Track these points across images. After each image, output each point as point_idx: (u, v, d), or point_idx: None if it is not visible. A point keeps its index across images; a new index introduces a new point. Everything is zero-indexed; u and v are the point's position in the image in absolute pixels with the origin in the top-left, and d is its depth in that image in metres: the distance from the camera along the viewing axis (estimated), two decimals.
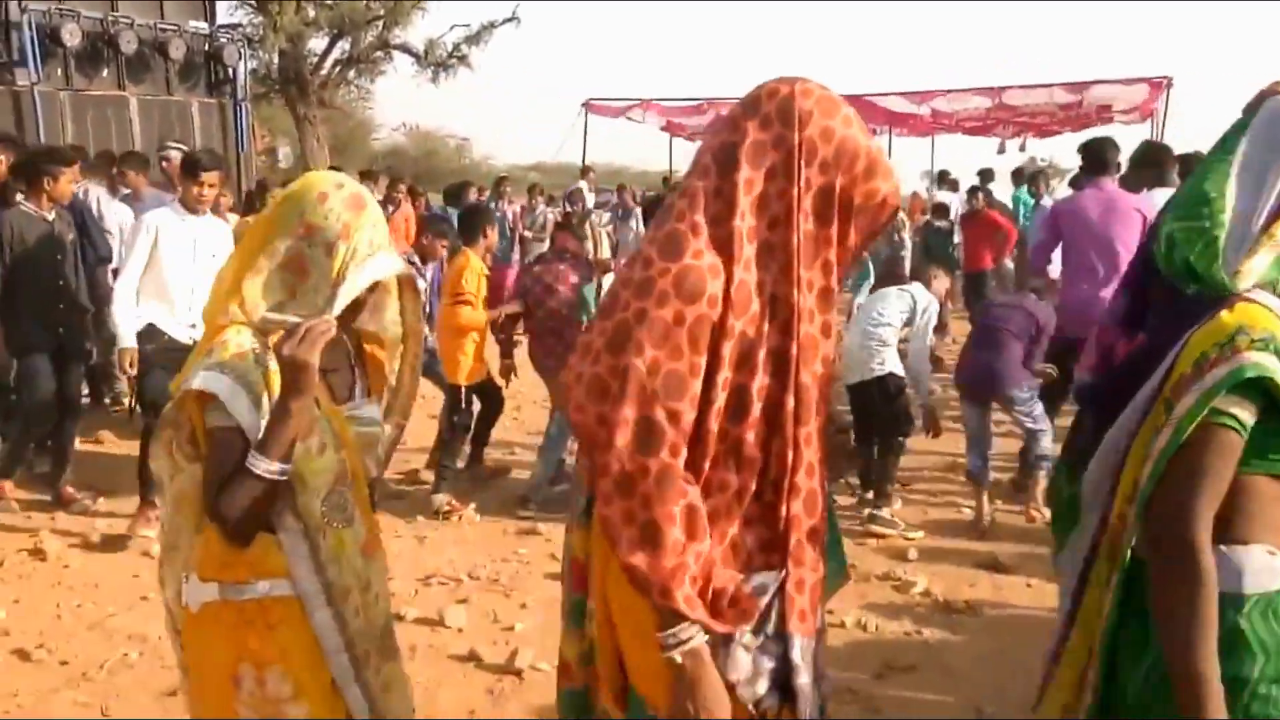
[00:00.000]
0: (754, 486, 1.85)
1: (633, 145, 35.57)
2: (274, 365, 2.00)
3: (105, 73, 10.90)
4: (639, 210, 14.61)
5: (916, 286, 6.25)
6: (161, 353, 5.50)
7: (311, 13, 24.69)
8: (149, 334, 5.55)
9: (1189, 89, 30.61)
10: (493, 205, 13.54)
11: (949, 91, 16.59)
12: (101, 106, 10.77)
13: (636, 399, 1.73)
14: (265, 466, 1.94)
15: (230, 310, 2.05)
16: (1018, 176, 13.68)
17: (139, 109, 11.06)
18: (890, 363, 5.95)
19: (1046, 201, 11.95)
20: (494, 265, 11.96)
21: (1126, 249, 5.93)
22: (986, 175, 14.57)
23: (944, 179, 15.75)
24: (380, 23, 25.74)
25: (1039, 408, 5.96)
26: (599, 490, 1.77)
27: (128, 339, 5.51)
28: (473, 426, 6.57)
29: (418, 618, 4.65)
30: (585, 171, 17.85)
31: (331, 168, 14.39)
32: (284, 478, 1.97)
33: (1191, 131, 14.13)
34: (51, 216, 5.96)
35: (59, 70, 10.41)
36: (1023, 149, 18.29)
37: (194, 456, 2.06)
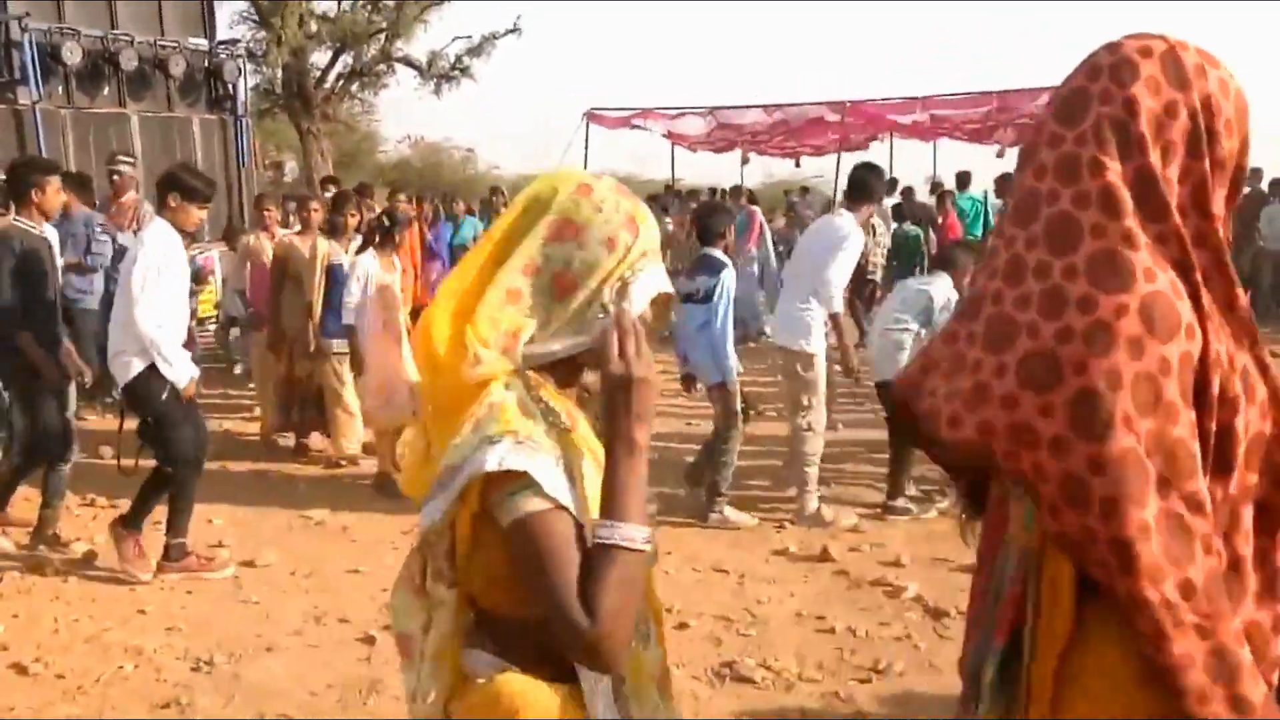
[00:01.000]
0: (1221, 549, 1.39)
1: (635, 155, 35.54)
2: (570, 421, 1.55)
3: (106, 90, 10.97)
4: None
5: (936, 281, 6.36)
6: (175, 400, 5.15)
7: (314, 26, 24.85)
8: (156, 375, 5.09)
9: None
10: (486, 215, 13.60)
11: (946, 95, 16.60)
12: (103, 124, 10.84)
13: (1146, 496, 1.28)
14: (642, 536, 1.42)
15: (482, 355, 1.49)
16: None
17: (140, 126, 11.13)
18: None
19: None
20: None
21: None
22: (961, 179, 14.77)
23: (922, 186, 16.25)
24: (383, 35, 25.87)
25: None
26: (1160, 635, 1.31)
27: (190, 370, 5.21)
28: None
29: None
30: None
31: (328, 179, 14.43)
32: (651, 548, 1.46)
33: None
34: (45, 232, 5.61)
35: (60, 88, 10.49)
36: None
37: (454, 579, 1.54)
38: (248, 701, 4.10)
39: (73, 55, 10.24)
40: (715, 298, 6.04)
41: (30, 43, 9.95)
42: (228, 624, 4.79)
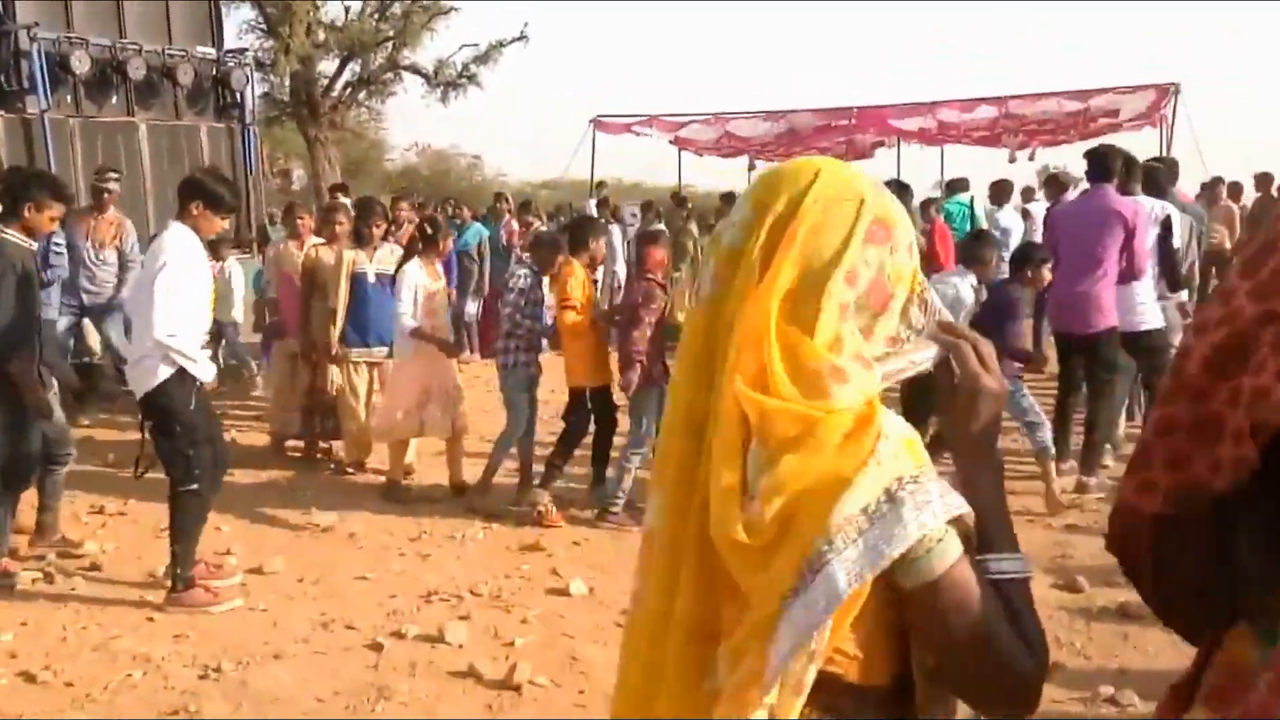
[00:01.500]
0: None
1: (642, 161, 35.45)
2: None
3: (114, 99, 10.97)
4: (616, 227, 14.51)
5: (951, 278, 6.51)
6: (201, 412, 5.11)
7: (321, 35, 24.96)
8: (181, 383, 4.97)
9: (1202, 93, 30.49)
10: (489, 221, 13.59)
11: (954, 101, 16.61)
12: (111, 133, 10.86)
13: None
14: (1027, 565, 1.30)
15: (852, 376, 1.22)
16: (996, 189, 13.52)
17: (148, 134, 11.14)
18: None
19: (1005, 211, 12.28)
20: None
21: (1109, 251, 6.39)
22: (952, 185, 14.84)
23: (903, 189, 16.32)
24: (390, 44, 25.98)
25: (1026, 400, 6.19)
26: None
27: (211, 369, 5.24)
28: (592, 443, 6.65)
29: (418, 634, 4.68)
30: (600, 187, 18.01)
31: (337, 186, 14.45)
32: None
33: (1204, 138, 14.15)
34: (34, 247, 5.43)
35: (68, 97, 10.49)
36: (1032, 159, 18.26)
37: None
38: (255, 709, 4.09)
39: (81, 64, 10.22)
40: None
41: (39, 52, 9.97)
42: (235, 631, 4.79)
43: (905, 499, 1.17)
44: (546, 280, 6.70)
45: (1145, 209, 6.59)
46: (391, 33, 25.75)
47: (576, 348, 6.46)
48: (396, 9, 25.94)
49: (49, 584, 5.33)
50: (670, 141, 20.13)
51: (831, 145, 18.99)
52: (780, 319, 1.23)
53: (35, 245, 5.47)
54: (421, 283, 6.69)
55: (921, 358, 1.32)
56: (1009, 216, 12.46)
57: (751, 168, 20.91)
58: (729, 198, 16.04)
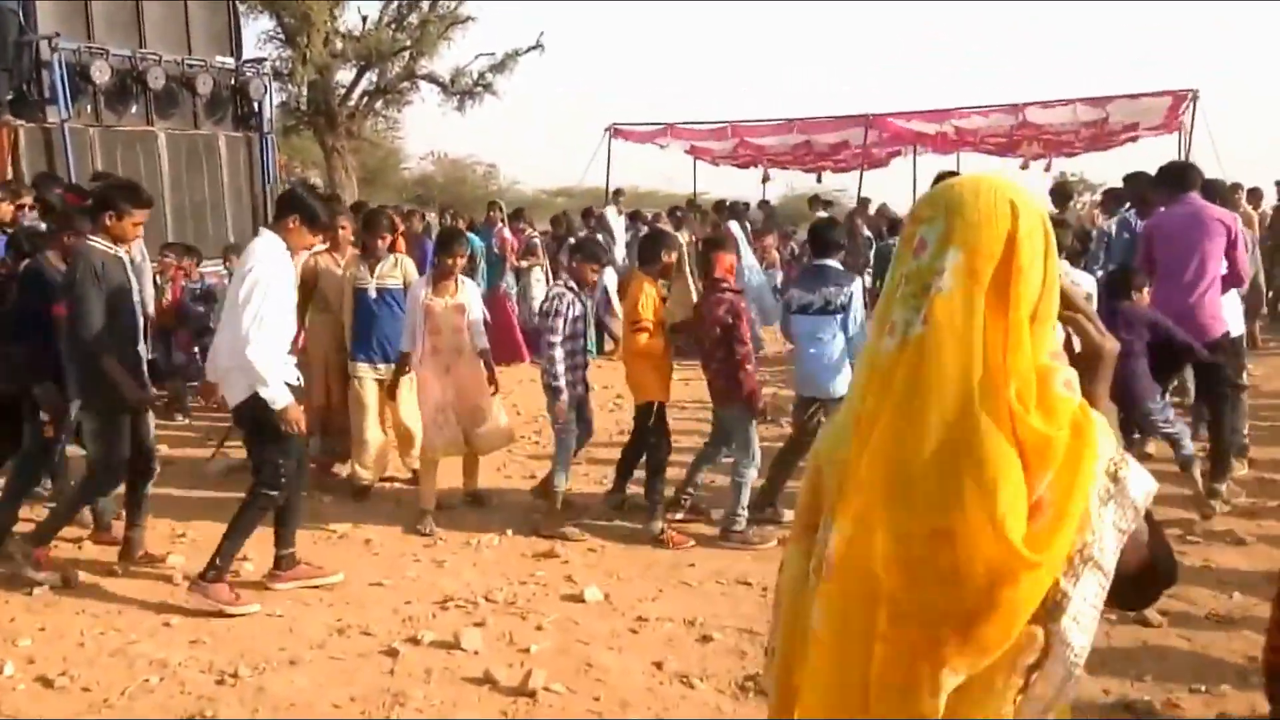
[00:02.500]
0: None
1: (658, 169, 35.52)
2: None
3: (134, 109, 11.02)
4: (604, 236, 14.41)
5: (1075, 274, 6.47)
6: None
7: (339, 45, 25.09)
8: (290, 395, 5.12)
9: (1222, 99, 30.30)
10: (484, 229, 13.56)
11: (969, 109, 16.56)
12: (130, 142, 10.91)
13: None
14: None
15: (1070, 379, 1.42)
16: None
17: (167, 143, 11.19)
18: None
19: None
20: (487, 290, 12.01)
21: (1214, 258, 6.38)
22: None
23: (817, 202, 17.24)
24: (407, 54, 26.10)
25: (1170, 412, 6.24)
26: None
27: (286, 395, 5.06)
28: (626, 453, 6.65)
29: (434, 641, 4.68)
30: (616, 194, 18.04)
31: (356, 203, 14.48)
32: None
33: (1223, 144, 14.06)
34: (124, 254, 5.48)
35: (89, 107, 10.55)
36: (1047, 169, 18.18)
37: None
38: (271, 714, 4.10)
39: (101, 74, 10.28)
40: (848, 309, 6.08)
41: (60, 62, 10.03)
42: (251, 637, 4.80)
43: (1126, 478, 1.37)
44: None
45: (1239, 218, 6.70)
46: (408, 42, 25.88)
47: (643, 366, 6.32)
48: (413, 19, 26.09)
49: (67, 589, 5.35)
50: (686, 151, 20.17)
51: (846, 157, 18.98)
52: (1011, 354, 1.36)
53: (118, 251, 5.43)
54: (422, 299, 6.41)
55: (1059, 332, 1.47)
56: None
57: (766, 178, 20.92)
58: (719, 207, 16.30)
